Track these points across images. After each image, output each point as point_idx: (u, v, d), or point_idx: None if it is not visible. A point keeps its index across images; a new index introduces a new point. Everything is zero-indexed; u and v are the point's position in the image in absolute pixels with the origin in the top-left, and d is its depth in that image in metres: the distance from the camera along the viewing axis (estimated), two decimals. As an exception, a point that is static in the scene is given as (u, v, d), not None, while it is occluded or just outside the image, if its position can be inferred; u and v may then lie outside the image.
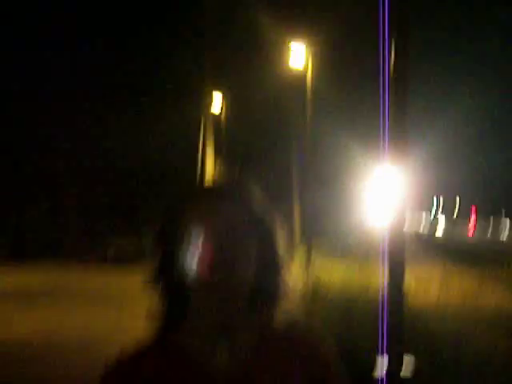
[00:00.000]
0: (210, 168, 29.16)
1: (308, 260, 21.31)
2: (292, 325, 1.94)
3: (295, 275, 18.83)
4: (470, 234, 78.26)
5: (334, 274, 19.64)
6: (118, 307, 16.00)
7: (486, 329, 11.93)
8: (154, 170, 34.39)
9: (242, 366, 1.80)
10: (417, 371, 8.24)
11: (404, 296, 8.20)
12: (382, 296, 7.87)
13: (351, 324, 11.52)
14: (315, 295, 15.39)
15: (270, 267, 1.85)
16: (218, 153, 30.58)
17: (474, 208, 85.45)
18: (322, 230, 30.57)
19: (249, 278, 1.78)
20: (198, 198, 1.88)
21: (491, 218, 79.12)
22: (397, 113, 7.94)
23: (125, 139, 32.44)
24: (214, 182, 1.98)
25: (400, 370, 7.84)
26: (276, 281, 1.87)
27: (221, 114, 32.93)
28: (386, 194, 8.90)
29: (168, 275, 1.82)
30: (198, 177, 29.27)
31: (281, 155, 31.77)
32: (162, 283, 1.84)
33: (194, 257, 1.74)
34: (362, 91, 30.51)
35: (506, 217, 75.52)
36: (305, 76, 23.89)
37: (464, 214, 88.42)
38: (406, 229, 8.26)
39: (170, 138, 31.45)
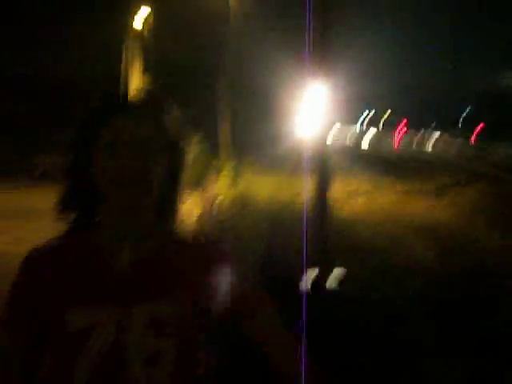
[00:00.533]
0: (135, 86, 28.80)
1: (236, 174, 21.36)
2: (195, 236, 2.00)
3: (221, 189, 18.93)
4: (396, 145, 79.97)
5: (261, 187, 19.70)
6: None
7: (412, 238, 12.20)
8: (78, 87, 33.73)
9: (144, 265, 1.86)
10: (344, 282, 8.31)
11: (328, 208, 8.21)
12: (306, 209, 7.88)
13: (277, 236, 11.53)
14: (241, 209, 15.41)
15: (174, 181, 1.91)
16: (143, 71, 30.16)
17: (404, 121, 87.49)
18: (252, 143, 30.63)
19: (156, 188, 1.83)
20: (115, 109, 1.88)
21: (422, 130, 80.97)
22: (323, 30, 7.90)
23: (54, 51, 31.73)
24: (132, 97, 1.94)
25: (325, 282, 7.89)
26: (176, 195, 1.94)
27: (147, 31, 32.39)
28: (312, 107, 8.87)
29: (81, 174, 1.86)
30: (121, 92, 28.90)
31: (208, 69, 31.44)
32: (76, 182, 1.88)
33: (108, 159, 1.79)
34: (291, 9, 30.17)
35: (435, 130, 77.24)
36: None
37: (395, 128, 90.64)
38: (329, 141, 8.26)
39: (95, 55, 30.87)
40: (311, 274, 8.50)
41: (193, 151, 1.97)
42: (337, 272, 8.40)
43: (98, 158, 1.81)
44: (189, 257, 1.93)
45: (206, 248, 1.98)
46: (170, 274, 1.87)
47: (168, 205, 1.93)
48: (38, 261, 1.87)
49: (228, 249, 2.04)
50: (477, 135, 61.21)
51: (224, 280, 1.93)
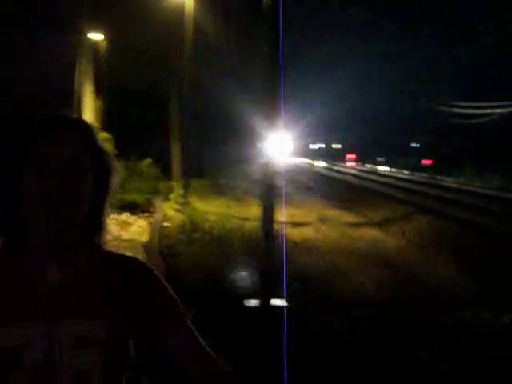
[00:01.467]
0: (89, 110, 28.61)
1: (184, 198, 21.41)
2: (117, 253, 2.06)
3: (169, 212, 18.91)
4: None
5: (210, 211, 19.73)
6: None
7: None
8: (29, 109, 33.35)
9: (72, 284, 1.88)
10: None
11: (272, 239, 8.27)
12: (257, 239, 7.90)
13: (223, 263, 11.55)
14: (189, 233, 15.38)
15: (101, 201, 1.94)
16: (97, 95, 29.93)
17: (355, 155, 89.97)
18: (204, 168, 30.69)
19: (83, 209, 1.85)
20: (43, 122, 1.89)
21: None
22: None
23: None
24: (58, 113, 1.94)
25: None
26: (103, 215, 1.97)
27: (100, 55, 32.25)
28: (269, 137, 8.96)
29: (7, 196, 1.85)
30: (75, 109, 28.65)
31: (161, 94, 31.41)
32: (2, 205, 1.88)
33: (36, 179, 1.79)
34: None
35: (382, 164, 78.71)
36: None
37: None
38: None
39: (46, 78, 30.59)
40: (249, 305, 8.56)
41: (144, 173, 1.96)
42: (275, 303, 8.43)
43: (26, 178, 1.80)
44: (115, 273, 1.96)
45: (130, 264, 2.01)
46: (97, 291, 1.90)
47: (95, 223, 1.95)
48: None
49: (149, 265, 2.06)
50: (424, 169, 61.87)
51: (149, 296, 1.97)
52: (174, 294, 2.02)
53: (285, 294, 8.70)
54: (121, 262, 2.01)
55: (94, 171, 1.88)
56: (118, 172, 2.00)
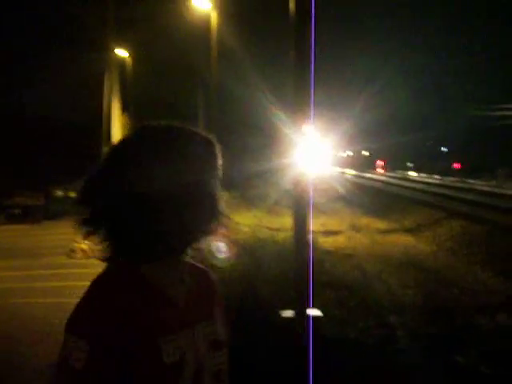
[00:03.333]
0: (117, 126, 28.82)
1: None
2: (198, 265, 2.10)
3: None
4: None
5: (242, 221, 19.80)
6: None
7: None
8: (58, 128, 33.79)
9: (190, 292, 1.95)
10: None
11: (306, 248, 8.29)
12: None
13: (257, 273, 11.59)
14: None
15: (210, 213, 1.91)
16: (124, 110, 30.18)
17: (384, 161, 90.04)
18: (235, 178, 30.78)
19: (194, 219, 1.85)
20: (151, 136, 1.88)
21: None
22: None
23: (31, 93, 31.72)
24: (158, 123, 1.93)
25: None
26: (211, 226, 1.93)
27: (126, 71, 32.49)
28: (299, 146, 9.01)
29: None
30: (104, 134, 28.87)
31: (188, 106, 31.57)
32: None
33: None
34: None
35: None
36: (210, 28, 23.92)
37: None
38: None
39: (74, 96, 30.90)
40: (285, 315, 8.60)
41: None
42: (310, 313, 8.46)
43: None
44: (206, 282, 2.08)
45: (207, 271, 2.13)
46: (205, 297, 2.02)
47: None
48: (114, 291, 1.83)
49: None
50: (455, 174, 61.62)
51: (222, 305, 2.10)
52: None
53: (320, 305, 8.74)
54: (203, 272, 2.11)
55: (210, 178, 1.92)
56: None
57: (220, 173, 1.96)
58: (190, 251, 1.94)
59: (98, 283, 1.85)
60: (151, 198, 1.79)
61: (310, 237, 8.68)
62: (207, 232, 1.91)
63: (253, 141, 37.16)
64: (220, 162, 1.96)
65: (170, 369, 1.80)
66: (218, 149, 1.97)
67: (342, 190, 34.81)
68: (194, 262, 2.05)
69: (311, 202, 8.72)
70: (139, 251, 1.85)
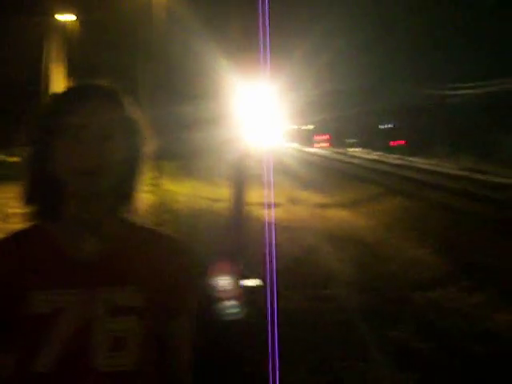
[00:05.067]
0: (58, 83, 28.48)
1: (155, 181, 21.38)
2: (151, 227, 2.05)
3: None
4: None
5: (181, 193, 19.75)
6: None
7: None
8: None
9: (108, 252, 1.90)
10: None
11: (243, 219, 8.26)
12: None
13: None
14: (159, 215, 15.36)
15: (133, 170, 1.95)
16: (70, 75, 29.74)
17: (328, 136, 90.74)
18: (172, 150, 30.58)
19: (112, 177, 1.85)
20: (74, 92, 1.93)
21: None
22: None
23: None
24: (88, 82, 1.97)
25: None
26: (135, 184, 1.97)
27: (69, 34, 32.03)
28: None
29: (42, 165, 1.87)
30: (43, 90, 28.47)
31: (130, 73, 31.19)
32: (37, 174, 1.90)
33: (71, 146, 1.81)
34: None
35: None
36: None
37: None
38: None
39: (15, 55, 30.33)
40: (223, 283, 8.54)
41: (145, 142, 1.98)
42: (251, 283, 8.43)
43: (60, 145, 1.83)
44: (152, 245, 1.98)
45: (168, 239, 2.03)
46: (130, 261, 1.92)
47: (128, 193, 1.95)
48: (0, 249, 1.92)
49: (189, 247, 2.09)
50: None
51: (180, 274, 1.99)
52: (193, 281, 2.07)
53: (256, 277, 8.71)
54: (153, 235, 2.02)
55: (125, 139, 1.89)
56: (151, 140, 2.00)
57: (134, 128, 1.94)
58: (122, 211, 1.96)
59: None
60: (50, 165, 1.86)
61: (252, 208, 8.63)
62: (119, 195, 1.93)
63: (201, 112, 36.86)
64: (129, 115, 1.94)
65: (37, 319, 1.80)
66: (124, 100, 1.95)
67: (281, 164, 34.84)
68: (150, 227, 2.04)
69: (250, 173, 8.70)
70: (45, 212, 1.93)
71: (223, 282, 8.75)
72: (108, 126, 1.85)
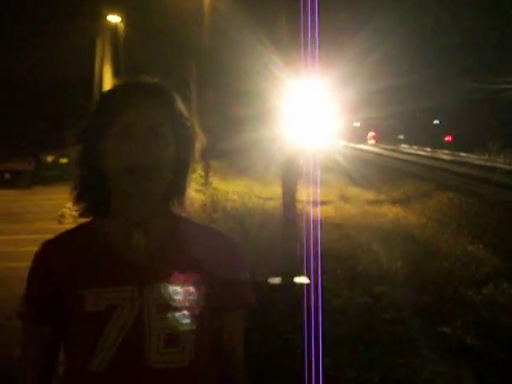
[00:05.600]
0: (109, 83, 28.71)
1: (205, 179, 21.47)
2: (201, 223, 2.08)
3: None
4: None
5: (232, 191, 19.79)
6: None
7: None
8: (50, 93, 33.67)
9: (157, 249, 1.91)
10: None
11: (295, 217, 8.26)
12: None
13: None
14: (211, 213, 15.43)
15: (184, 168, 1.95)
16: (116, 75, 29.95)
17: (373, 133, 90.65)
18: (225, 149, 30.57)
19: (166, 176, 1.87)
20: (126, 90, 1.93)
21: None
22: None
23: (20, 56, 31.49)
24: (138, 78, 1.98)
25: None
26: (186, 182, 1.98)
27: (118, 35, 32.24)
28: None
29: (92, 163, 1.90)
30: (95, 100, 28.75)
31: (180, 74, 31.29)
32: (88, 171, 1.92)
33: (123, 145, 1.82)
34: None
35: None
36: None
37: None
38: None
39: (67, 61, 30.69)
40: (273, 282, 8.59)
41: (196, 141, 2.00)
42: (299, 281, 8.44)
43: (110, 143, 1.85)
44: (203, 242, 1.98)
45: (220, 235, 2.05)
46: (185, 256, 1.92)
47: (179, 191, 1.97)
48: (51, 249, 1.94)
49: (239, 243, 2.09)
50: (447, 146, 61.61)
51: (232, 271, 2.00)
52: (247, 276, 2.05)
53: (306, 272, 8.70)
54: (204, 232, 2.03)
55: (176, 138, 1.90)
56: (201, 139, 2.01)
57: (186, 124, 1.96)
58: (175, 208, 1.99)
59: (43, 244, 1.96)
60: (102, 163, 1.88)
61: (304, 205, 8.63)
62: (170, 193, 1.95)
63: (251, 110, 36.84)
64: (180, 111, 1.95)
65: (90, 318, 1.82)
66: (174, 97, 1.96)
67: (331, 161, 34.71)
68: (201, 223, 2.07)
69: (301, 171, 8.69)
70: (94, 209, 1.97)
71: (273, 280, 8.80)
72: (158, 124, 1.86)
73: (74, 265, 1.88)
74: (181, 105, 1.96)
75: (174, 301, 1.86)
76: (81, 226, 1.99)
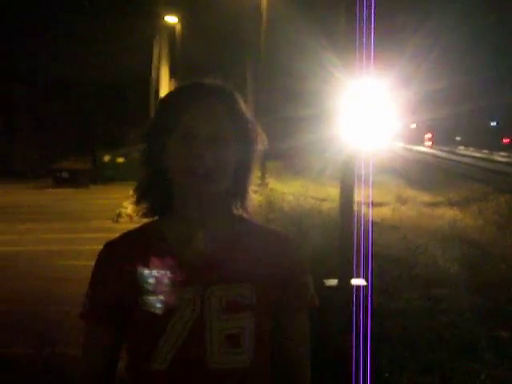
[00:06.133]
0: (165, 92, 28.85)
1: (262, 179, 21.51)
2: (262, 224, 2.09)
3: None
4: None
5: (288, 191, 19.84)
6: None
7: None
8: (107, 93, 34.05)
9: (218, 250, 1.91)
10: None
11: (352, 219, 8.26)
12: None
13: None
14: (267, 213, 15.49)
15: (246, 170, 1.96)
16: (172, 76, 30.12)
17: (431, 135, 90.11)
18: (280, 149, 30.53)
19: (227, 179, 1.88)
20: (188, 92, 1.93)
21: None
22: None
23: (76, 60, 31.90)
24: (200, 79, 1.99)
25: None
26: (247, 183, 1.98)
27: (176, 35, 32.43)
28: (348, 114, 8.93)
29: (156, 163, 1.91)
30: (152, 100, 28.93)
31: (237, 75, 31.38)
32: (149, 174, 1.95)
33: (184, 147, 1.84)
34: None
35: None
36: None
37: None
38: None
39: (123, 61, 30.97)
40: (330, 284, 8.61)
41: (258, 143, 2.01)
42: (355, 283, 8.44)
43: (173, 144, 1.86)
44: (263, 242, 1.97)
45: (280, 236, 2.03)
46: (242, 258, 1.91)
47: (240, 193, 1.97)
48: (114, 250, 1.97)
49: (300, 244, 2.09)
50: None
51: (295, 272, 1.99)
52: (310, 277, 2.04)
53: (364, 274, 8.70)
54: (264, 233, 2.03)
55: (238, 140, 1.90)
56: (263, 140, 2.00)
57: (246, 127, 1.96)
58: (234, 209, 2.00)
59: (106, 244, 2.00)
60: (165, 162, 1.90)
61: (361, 207, 8.63)
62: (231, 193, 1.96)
63: (307, 111, 36.79)
64: (244, 114, 1.95)
65: (151, 319, 1.84)
66: (237, 99, 1.97)
67: (388, 162, 34.52)
68: (261, 225, 2.08)
69: (358, 172, 8.70)
70: (156, 210, 2.00)
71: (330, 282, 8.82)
72: (220, 125, 1.87)
73: (136, 265, 1.89)
74: (243, 106, 1.96)
75: (235, 302, 1.87)
76: (142, 227, 2.01)
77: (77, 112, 35.60)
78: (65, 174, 26.90)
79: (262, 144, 1.99)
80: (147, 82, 29.85)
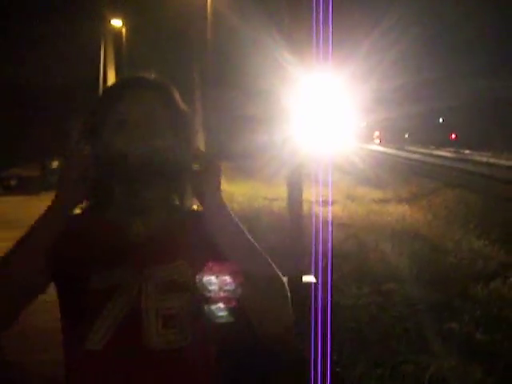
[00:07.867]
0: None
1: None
2: (197, 210, 2.06)
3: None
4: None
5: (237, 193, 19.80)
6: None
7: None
8: (55, 96, 33.69)
9: (156, 235, 1.95)
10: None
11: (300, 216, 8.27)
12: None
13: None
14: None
15: (183, 160, 1.91)
16: (119, 77, 29.98)
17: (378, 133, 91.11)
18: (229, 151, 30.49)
19: (163, 162, 1.86)
20: (125, 83, 2.03)
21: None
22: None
23: (24, 59, 31.58)
24: (137, 74, 2.05)
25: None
26: (185, 171, 1.92)
27: (121, 39, 32.32)
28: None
29: (94, 158, 1.86)
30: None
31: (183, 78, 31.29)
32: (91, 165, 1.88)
33: (115, 135, 1.88)
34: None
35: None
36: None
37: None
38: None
39: (69, 63, 30.72)
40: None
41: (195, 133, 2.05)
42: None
43: (108, 133, 1.90)
44: (197, 224, 1.96)
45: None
46: (181, 239, 1.96)
47: (179, 184, 1.98)
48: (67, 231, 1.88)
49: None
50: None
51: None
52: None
53: (314, 271, 8.71)
54: (198, 216, 1.99)
55: (173, 130, 1.93)
56: (198, 132, 2.06)
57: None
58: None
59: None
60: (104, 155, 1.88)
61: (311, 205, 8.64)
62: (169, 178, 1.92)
63: (257, 110, 36.73)
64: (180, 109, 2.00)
65: (94, 294, 1.84)
66: (172, 91, 2.02)
67: (339, 160, 34.69)
68: (197, 210, 2.05)
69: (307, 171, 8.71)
70: (98, 197, 1.98)
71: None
72: (154, 113, 1.91)
73: (83, 248, 1.90)
74: (178, 98, 2.00)
75: (173, 281, 1.90)
76: (86, 213, 2.02)
77: (24, 117, 35.09)
78: (13, 182, 26.51)
79: (199, 139, 2.06)
80: (96, 85, 29.65)
